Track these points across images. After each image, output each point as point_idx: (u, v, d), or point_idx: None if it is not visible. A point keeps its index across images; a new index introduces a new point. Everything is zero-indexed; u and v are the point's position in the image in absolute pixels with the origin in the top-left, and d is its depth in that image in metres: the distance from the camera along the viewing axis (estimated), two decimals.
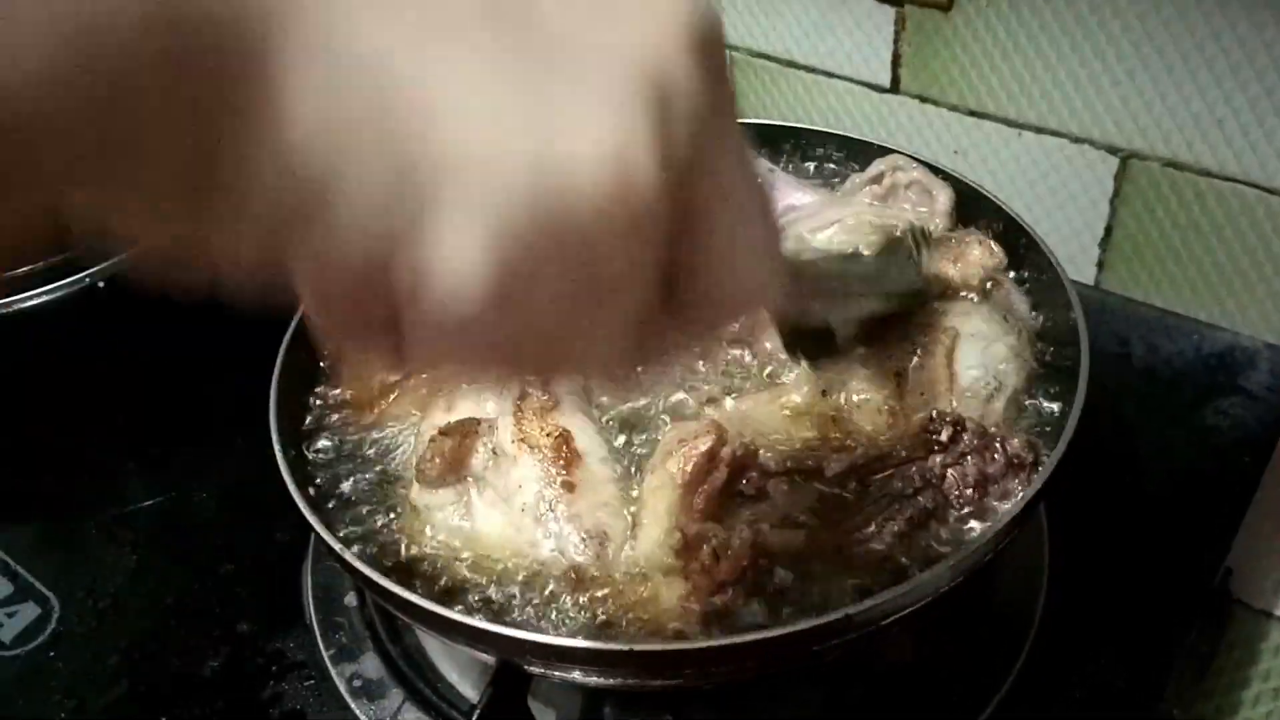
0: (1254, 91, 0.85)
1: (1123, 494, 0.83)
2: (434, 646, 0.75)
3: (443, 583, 0.62)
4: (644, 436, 0.68)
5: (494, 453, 0.64)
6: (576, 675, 0.58)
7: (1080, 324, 0.68)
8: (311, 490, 0.68)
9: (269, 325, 0.75)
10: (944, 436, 0.63)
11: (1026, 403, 0.69)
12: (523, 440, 0.64)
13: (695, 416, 0.69)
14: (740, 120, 0.90)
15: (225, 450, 0.94)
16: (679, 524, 0.60)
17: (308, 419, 0.73)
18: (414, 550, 0.64)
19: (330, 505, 0.67)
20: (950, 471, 0.62)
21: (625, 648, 0.55)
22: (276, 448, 0.66)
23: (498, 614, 0.60)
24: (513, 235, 0.29)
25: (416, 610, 0.57)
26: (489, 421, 0.66)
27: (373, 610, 0.77)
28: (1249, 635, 0.99)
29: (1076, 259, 1.01)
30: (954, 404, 0.67)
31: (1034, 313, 0.76)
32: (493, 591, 0.61)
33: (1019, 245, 0.78)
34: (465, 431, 0.65)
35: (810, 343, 0.62)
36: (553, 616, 0.59)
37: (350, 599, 0.78)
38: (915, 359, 0.68)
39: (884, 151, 0.85)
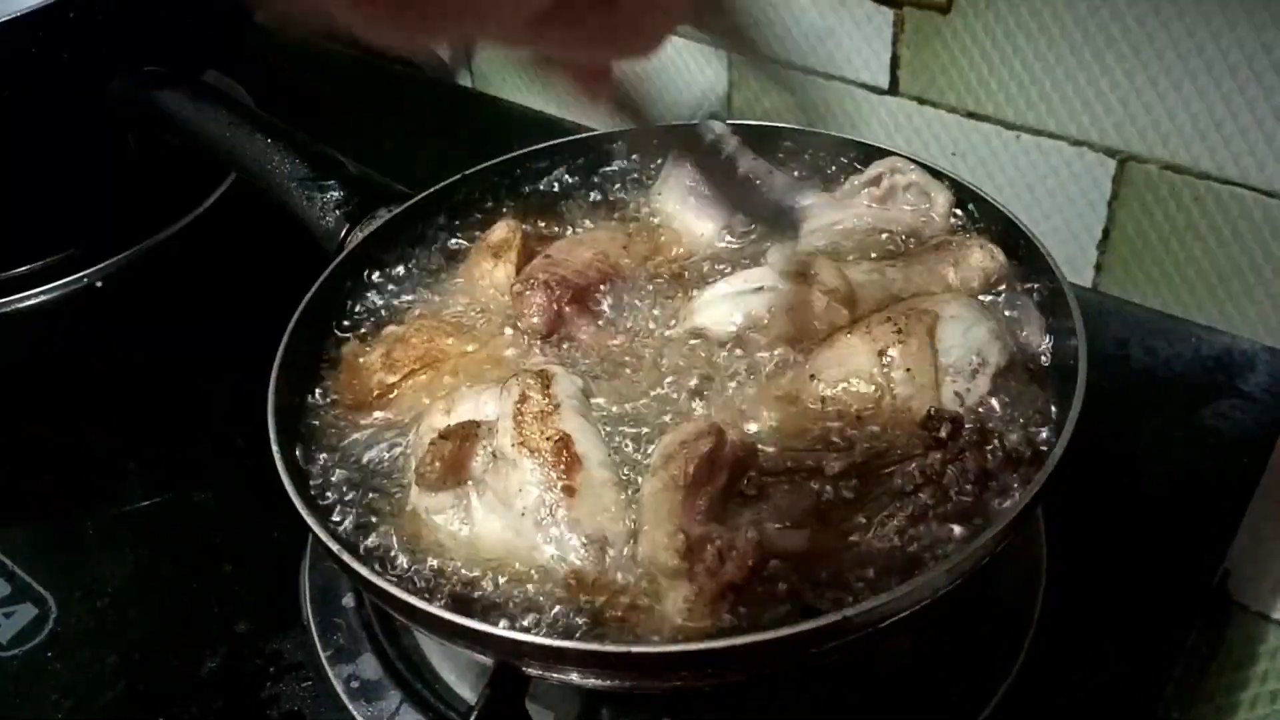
0: (1252, 94, 0.85)
1: (1121, 496, 0.83)
2: (432, 648, 0.75)
3: (441, 585, 0.62)
4: (643, 439, 0.68)
5: (494, 456, 0.64)
6: (574, 677, 0.58)
7: (1078, 326, 0.68)
8: (309, 491, 0.68)
9: (269, 325, 0.75)
10: (943, 433, 0.63)
11: (1019, 391, 0.69)
12: (523, 444, 0.63)
13: (690, 413, 0.69)
14: (740, 121, 0.91)
15: (224, 450, 0.94)
16: (682, 526, 0.60)
17: (306, 420, 0.73)
18: (413, 552, 0.64)
19: (328, 506, 0.67)
20: (950, 468, 0.62)
21: (623, 649, 0.55)
22: (274, 448, 0.66)
23: (496, 616, 0.60)
24: None
25: (414, 612, 0.57)
26: (489, 425, 0.66)
27: (370, 611, 0.77)
28: (1247, 637, 1.00)
29: (1075, 261, 1.01)
30: (938, 380, 0.67)
31: (1033, 314, 0.76)
32: (491, 593, 0.61)
33: (1017, 247, 0.78)
34: (465, 435, 0.65)
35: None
36: (552, 619, 0.59)
37: (348, 600, 0.78)
38: (897, 337, 0.68)
39: (883, 153, 0.85)
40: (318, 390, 0.76)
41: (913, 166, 0.83)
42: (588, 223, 0.89)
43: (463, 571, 0.63)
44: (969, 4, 0.95)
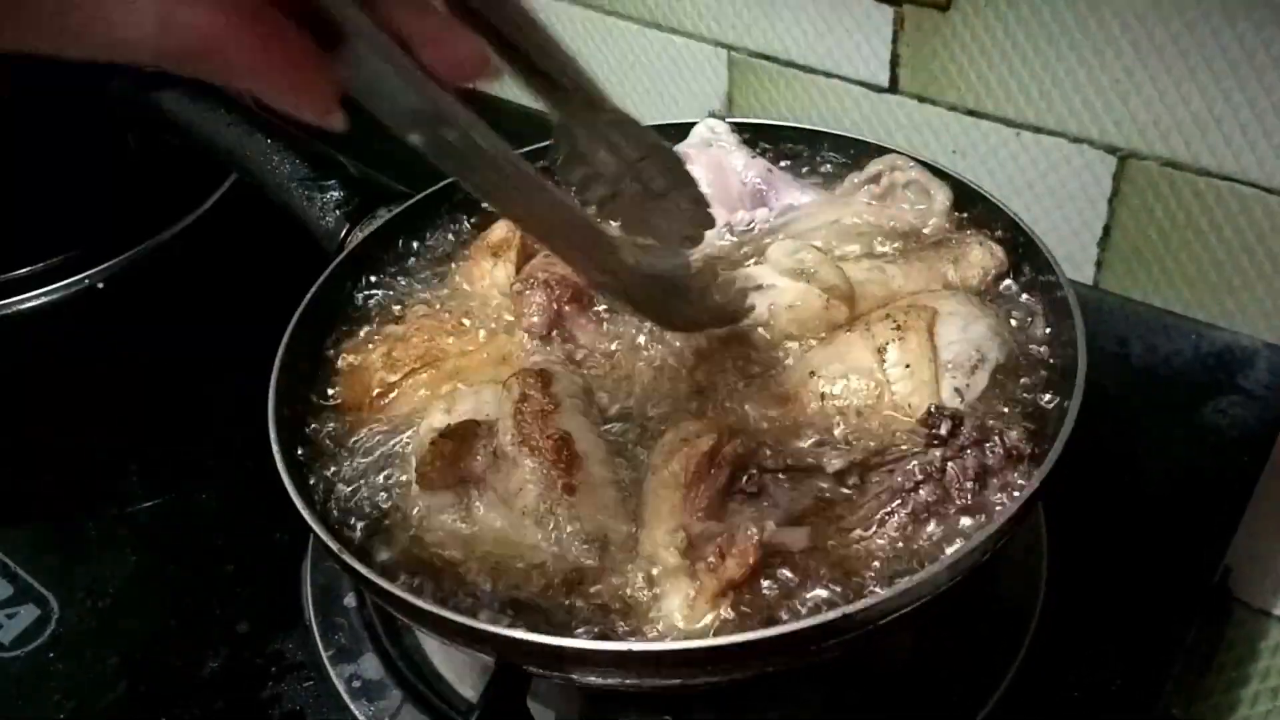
0: (1252, 90, 0.85)
1: (1121, 493, 0.83)
2: (433, 647, 0.75)
3: (442, 584, 0.62)
4: (644, 437, 0.68)
5: (494, 455, 0.65)
6: (575, 676, 0.58)
7: (1078, 323, 0.68)
8: (310, 492, 0.68)
9: (270, 326, 0.75)
10: (943, 430, 0.63)
11: (1018, 388, 0.69)
12: (523, 443, 0.63)
13: (690, 411, 0.69)
14: (740, 120, 0.91)
15: (225, 451, 0.94)
16: (683, 523, 0.60)
17: (306, 420, 0.73)
18: (414, 551, 0.64)
19: (329, 506, 0.68)
20: (950, 465, 0.62)
21: (624, 648, 0.55)
22: (275, 449, 0.66)
23: (497, 615, 0.60)
24: None
25: (416, 611, 0.57)
26: (489, 424, 0.66)
27: (372, 611, 0.77)
28: (1248, 634, 1.00)
29: (1075, 258, 1.01)
30: (938, 376, 0.67)
31: (1032, 313, 0.76)
32: (492, 592, 0.61)
33: (1017, 245, 0.78)
34: (465, 434, 0.65)
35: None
36: (553, 618, 0.59)
37: (349, 600, 0.78)
38: (896, 334, 0.69)
39: (882, 151, 0.85)
40: (319, 390, 0.76)
41: (912, 164, 0.83)
42: None
43: (464, 571, 0.63)
44: (968, 1, 0.95)
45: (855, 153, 0.89)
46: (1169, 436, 0.88)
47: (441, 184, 0.88)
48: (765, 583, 0.59)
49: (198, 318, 1.06)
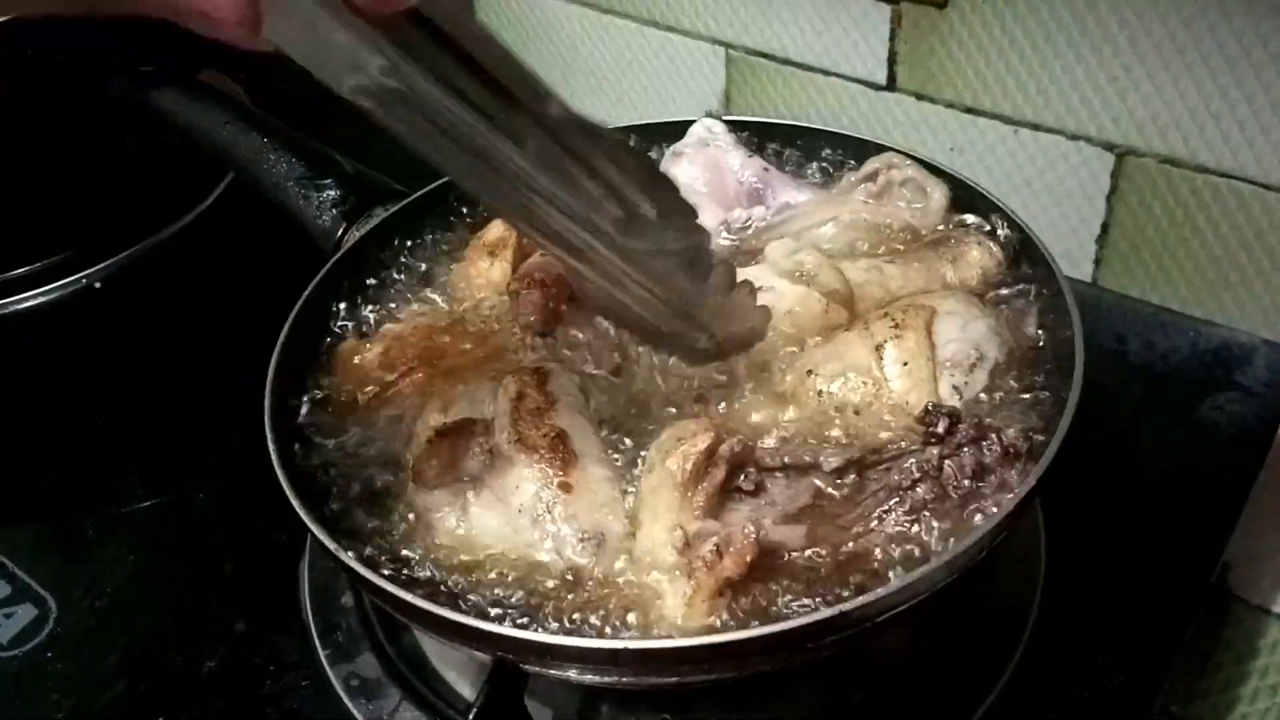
0: (1250, 87, 0.85)
1: (1119, 490, 0.83)
2: (431, 646, 0.75)
3: (439, 583, 0.62)
4: (641, 435, 0.68)
5: (491, 454, 0.64)
6: (572, 673, 0.58)
7: (1076, 321, 0.68)
8: (308, 491, 0.68)
9: (269, 325, 0.75)
10: (940, 428, 0.63)
11: (1016, 386, 0.69)
12: (520, 441, 0.64)
13: (687, 409, 0.69)
14: (738, 118, 0.91)
15: (223, 451, 0.94)
16: (680, 521, 0.60)
17: (304, 420, 0.73)
18: (410, 550, 0.64)
19: (327, 506, 0.67)
20: (948, 463, 0.62)
21: (620, 645, 0.55)
22: (272, 449, 0.66)
23: (494, 613, 0.60)
24: None
25: (413, 610, 0.57)
26: (485, 422, 0.66)
27: (370, 610, 0.77)
28: (1247, 632, 1.00)
29: (1073, 255, 1.01)
30: (936, 375, 0.67)
31: (1030, 311, 0.76)
32: (489, 591, 0.61)
33: (1015, 242, 0.78)
34: (462, 432, 0.65)
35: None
36: (550, 616, 0.59)
37: (347, 599, 0.78)
38: (894, 332, 0.69)
39: (879, 149, 0.85)
40: (316, 389, 0.76)
41: (909, 162, 0.83)
42: None
43: (461, 569, 0.63)
44: None
45: (852, 151, 0.89)
46: (1167, 433, 0.88)
47: (438, 183, 0.88)
48: (762, 580, 0.59)
49: (196, 317, 1.06)
